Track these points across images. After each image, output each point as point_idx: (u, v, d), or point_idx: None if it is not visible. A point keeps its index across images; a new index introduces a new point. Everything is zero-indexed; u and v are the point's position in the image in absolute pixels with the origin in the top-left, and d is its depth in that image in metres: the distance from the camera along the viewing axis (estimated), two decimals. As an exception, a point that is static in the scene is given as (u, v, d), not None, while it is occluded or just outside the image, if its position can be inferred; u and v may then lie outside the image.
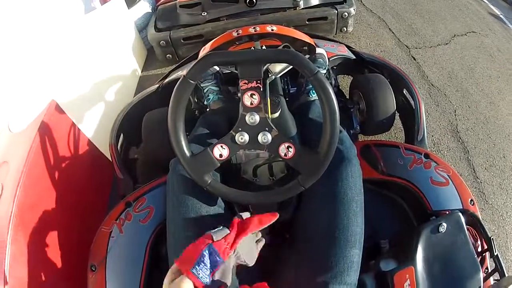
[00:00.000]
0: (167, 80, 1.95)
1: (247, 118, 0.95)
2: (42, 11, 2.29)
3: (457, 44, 3.48)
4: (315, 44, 1.54)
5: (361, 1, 4.16)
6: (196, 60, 0.97)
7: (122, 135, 1.76)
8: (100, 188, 2.05)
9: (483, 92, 2.85)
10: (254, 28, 1.41)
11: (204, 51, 1.54)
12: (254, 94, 0.95)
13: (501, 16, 4.78)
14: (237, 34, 1.42)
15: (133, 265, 1.15)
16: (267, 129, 0.95)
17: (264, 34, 1.42)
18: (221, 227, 0.80)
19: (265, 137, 0.94)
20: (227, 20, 2.82)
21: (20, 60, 1.70)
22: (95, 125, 2.10)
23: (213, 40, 1.52)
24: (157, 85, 1.94)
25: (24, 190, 1.33)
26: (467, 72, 3.05)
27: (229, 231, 0.79)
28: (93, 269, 1.15)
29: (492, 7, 5.08)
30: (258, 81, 0.94)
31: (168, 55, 2.99)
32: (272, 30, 1.40)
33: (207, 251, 0.71)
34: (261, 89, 0.95)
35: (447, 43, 3.45)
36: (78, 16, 2.68)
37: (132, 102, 1.90)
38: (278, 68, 1.29)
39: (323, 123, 0.91)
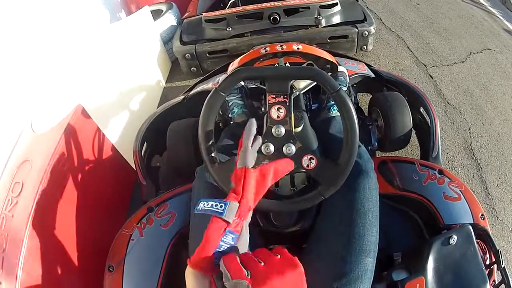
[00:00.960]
0: (192, 92, 2.01)
1: (273, 130, 0.99)
2: (73, 17, 2.50)
3: (473, 62, 3.55)
4: (337, 62, 1.59)
5: (381, 20, 4.30)
6: (228, 74, 1.04)
7: (146, 143, 1.81)
8: (121, 194, 2.12)
9: (497, 109, 2.91)
10: (281, 46, 1.47)
11: (233, 66, 1.59)
12: (281, 108, 1.01)
13: (515, 32, 4.87)
14: (265, 51, 1.48)
15: (152, 268, 1.17)
16: (291, 141, 0.99)
17: (290, 52, 1.48)
18: (224, 201, 0.74)
19: (289, 149, 0.98)
20: (251, 36, 2.91)
21: (48, 63, 1.82)
22: (119, 131, 2.18)
23: (242, 56, 1.58)
24: (183, 97, 2.00)
25: (45, 189, 1.38)
26: (482, 89, 3.12)
27: (237, 203, 0.75)
28: (111, 269, 1.17)
29: (506, 23, 5.12)
30: (285, 96, 1.01)
31: (192, 68, 3.09)
32: (298, 48, 1.46)
33: (224, 240, 0.69)
34: (287, 104, 1.01)
35: (463, 61, 3.53)
36: (105, 25, 2.86)
37: (157, 111, 1.95)
38: (302, 84, 1.35)
39: (344, 137, 0.96)
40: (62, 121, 1.65)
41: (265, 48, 1.47)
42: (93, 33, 2.36)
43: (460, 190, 1.31)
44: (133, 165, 2.13)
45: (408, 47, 3.70)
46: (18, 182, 1.42)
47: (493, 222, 2.03)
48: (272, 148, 0.99)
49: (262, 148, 0.98)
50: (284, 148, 0.98)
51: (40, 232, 1.33)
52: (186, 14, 3.53)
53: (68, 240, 1.52)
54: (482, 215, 1.25)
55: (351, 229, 1.00)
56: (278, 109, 1.01)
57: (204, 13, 3.12)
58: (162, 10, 3.63)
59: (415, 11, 4.77)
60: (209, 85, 1.98)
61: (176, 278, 1.20)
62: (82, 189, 1.66)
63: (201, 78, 2.19)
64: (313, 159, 0.98)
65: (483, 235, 1.19)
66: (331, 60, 1.51)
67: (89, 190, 1.73)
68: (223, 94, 1.00)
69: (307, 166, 0.98)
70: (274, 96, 1.01)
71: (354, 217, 1.01)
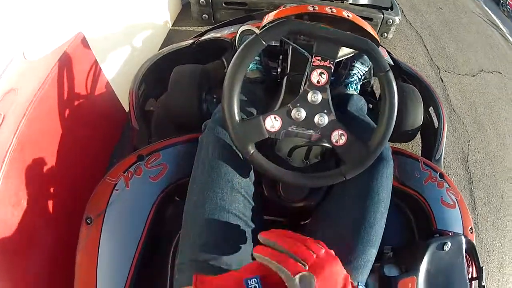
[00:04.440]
0: (203, 38, 1.92)
1: (309, 95, 0.95)
2: None
3: (483, 79, 3.62)
4: (379, 40, 1.51)
5: (403, 12, 4.28)
6: (274, 23, 0.96)
7: (144, 84, 1.73)
8: (108, 135, 2.03)
9: (497, 131, 3.00)
10: (330, 8, 1.39)
11: (268, 18, 1.47)
12: (324, 73, 0.95)
13: (528, 65, 5.03)
14: (313, 9, 1.39)
15: (135, 222, 1.10)
16: (325, 111, 0.96)
17: (338, 18, 1.40)
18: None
19: (322, 119, 0.95)
20: None
21: None
22: (116, 68, 2.07)
23: (282, 8, 1.49)
24: (192, 41, 1.90)
25: (28, 123, 1.27)
26: (486, 108, 3.19)
27: None
28: (89, 221, 1.08)
29: (521, 54, 5.34)
30: (332, 62, 0.95)
31: (204, 15, 2.94)
32: (348, 16, 1.39)
33: None
34: (332, 70, 0.96)
35: (474, 75, 3.59)
36: None
37: (162, 52, 1.85)
38: (341, 53, 1.30)
39: (380, 119, 0.95)
40: (59, 48, 1.51)
41: (313, 7, 1.39)
42: None
43: (456, 199, 1.33)
44: (125, 106, 2.10)
45: (425, 45, 3.74)
46: (0, 114, 1.27)
47: (475, 238, 2.08)
48: (303, 114, 0.94)
49: (293, 112, 0.94)
50: (316, 117, 0.95)
51: (19, 170, 1.23)
52: None
53: (48, 181, 1.42)
54: (471, 228, 1.29)
55: (363, 216, 0.98)
56: (321, 73, 0.95)
57: None
58: None
59: (437, 13, 4.82)
60: (223, 33, 1.89)
61: (160, 236, 1.15)
62: (69, 126, 1.56)
63: (215, 25, 2.10)
64: (343, 135, 0.95)
65: (470, 249, 1.20)
66: (375, 36, 1.45)
67: (75, 128, 1.63)
68: (264, 43, 0.92)
69: (336, 142, 0.95)
70: (320, 58, 0.95)
71: (368, 204, 1.00)
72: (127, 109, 2.04)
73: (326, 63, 0.95)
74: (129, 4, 2.27)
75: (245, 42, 0.93)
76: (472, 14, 5.65)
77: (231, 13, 2.78)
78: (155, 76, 1.75)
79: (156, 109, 1.86)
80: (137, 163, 1.19)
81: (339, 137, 0.95)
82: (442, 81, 3.26)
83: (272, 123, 0.94)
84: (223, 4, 2.80)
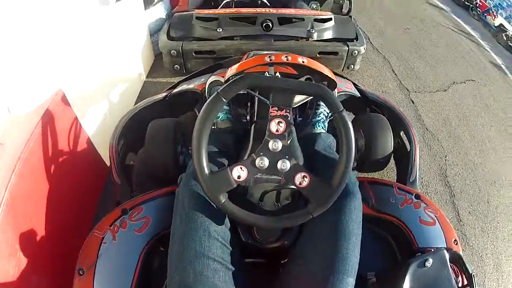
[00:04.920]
0: (175, 90, 2.03)
1: (270, 144, 1.02)
2: None
3: (455, 92, 3.80)
4: (335, 79, 1.61)
5: (369, 39, 4.53)
6: (232, 80, 1.05)
7: (122, 138, 1.81)
8: (92, 189, 2.11)
9: (475, 139, 3.15)
10: (286, 57, 1.49)
11: (231, 71, 1.58)
12: (282, 122, 1.03)
13: (502, 65, 5.19)
14: (270, 60, 1.49)
15: (124, 274, 1.17)
16: (287, 156, 1.02)
17: (295, 65, 1.51)
18: None
19: (284, 165, 1.01)
20: (240, 40, 2.92)
21: (29, 45, 1.75)
22: (96, 123, 2.18)
23: (242, 62, 1.61)
24: (165, 94, 2.02)
25: (18, 178, 1.36)
26: (461, 119, 3.35)
27: None
28: (81, 273, 1.15)
29: (494, 56, 5.47)
30: (288, 110, 1.05)
31: (176, 65, 3.05)
32: (303, 62, 1.49)
33: None
34: (289, 118, 1.04)
35: (445, 90, 3.78)
36: (93, 8, 2.84)
37: (137, 106, 1.95)
38: (298, 99, 1.33)
39: (340, 158, 1.01)
40: (41, 105, 1.64)
41: (269, 57, 1.50)
42: (79, 13, 2.32)
43: (435, 216, 1.39)
44: (106, 160, 2.18)
45: (393, 70, 3.93)
46: None
47: (464, 248, 2.19)
48: (266, 162, 1.02)
49: (257, 161, 1.02)
50: (279, 164, 1.02)
51: (12, 223, 1.33)
52: (176, 8, 3.55)
53: (40, 234, 1.51)
54: (455, 240, 1.33)
55: (335, 250, 1.04)
56: (279, 123, 1.04)
57: (196, 10, 3.14)
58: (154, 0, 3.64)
59: (404, 35, 5.04)
60: (192, 85, 2.02)
61: (149, 284, 1.23)
62: (55, 181, 1.65)
63: (186, 77, 2.23)
64: (306, 177, 1.02)
65: (456, 259, 1.26)
66: (330, 76, 1.54)
67: (61, 183, 1.72)
68: (225, 100, 1.01)
69: (300, 184, 1.02)
70: (276, 109, 1.05)
71: (338, 238, 1.06)
72: (108, 163, 2.13)
73: (283, 112, 1.05)
74: (105, 58, 2.42)
75: (207, 101, 1.02)
76: (441, 27, 5.90)
77: (202, 62, 2.90)
78: (133, 130, 1.85)
79: (136, 164, 1.95)
80: (122, 217, 1.28)
81: (302, 179, 1.02)
82: (413, 102, 3.41)
83: (239, 173, 1.02)
84: (193, 54, 2.93)
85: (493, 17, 7.94)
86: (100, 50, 2.33)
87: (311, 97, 1.36)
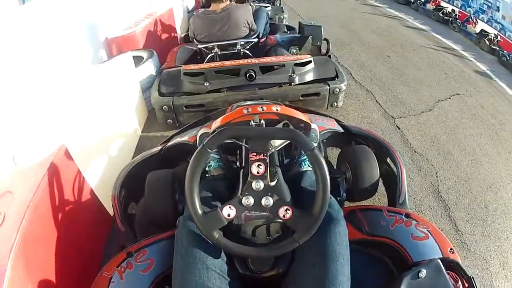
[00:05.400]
0: (170, 143, 2.23)
1: (253, 184, 1.18)
2: (59, 56, 2.84)
3: (441, 109, 4.04)
4: (310, 121, 1.76)
5: (351, 74, 4.83)
6: (215, 132, 1.24)
7: (123, 189, 1.95)
8: (96, 237, 2.28)
9: (465, 151, 3.33)
10: (261, 107, 1.67)
11: (216, 124, 1.74)
12: (261, 165, 1.19)
13: (487, 71, 5.48)
14: (247, 111, 1.67)
15: None
16: (269, 194, 1.18)
17: (270, 113, 1.68)
18: None
19: (267, 201, 1.17)
20: (227, 92, 3.12)
21: (32, 101, 1.98)
22: (98, 175, 2.36)
23: (225, 115, 1.77)
24: (160, 147, 2.20)
25: (29, 223, 1.51)
26: (449, 134, 3.56)
27: None
28: None
29: (478, 64, 5.77)
30: (265, 154, 1.20)
31: (169, 120, 3.22)
32: (277, 110, 1.65)
33: None
34: (267, 161, 1.20)
35: (430, 109, 4.01)
36: (88, 66, 3.10)
37: (135, 160, 2.13)
38: (278, 142, 1.50)
39: (317, 191, 1.14)
40: (47, 159, 1.81)
41: (247, 109, 1.69)
42: (76, 73, 2.61)
43: (428, 230, 1.46)
44: (109, 210, 2.36)
45: (376, 100, 4.18)
46: (0, 213, 1.53)
47: (465, 255, 2.31)
48: (251, 200, 1.17)
49: (243, 200, 1.17)
50: (262, 201, 1.18)
51: (24, 264, 1.44)
52: (164, 64, 3.77)
53: (50, 276, 1.64)
54: (451, 249, 1.39)
55: (324, 271, 1.16)
56: (259, 165, 1.20)
57: (183, 66, 3.34)
58: (143, 58, 3.94)
59: (385, 63, 5.32)
60: (185, 138, 2.21)
61: None
62: (62, 227, 1.80)
63: (178, 130, 2.43)
64: (289, 210, 1.16)
65: (453, 266, 1.35)
66: (305, 120, 1.72)
67: (68, 230, 1.86)
68: (209, 150, 1.18)
69: (283, 216, 1.16)
70: (255, 154, 1.21)
71: (327, 260, 1.17)
72: (111, 213, 2.32)
73: (261, 156, 1.21)
74: (103, 115, 2.65)
75: (195, 152, 1.18)
76: (421, 49, 6.21)
77: (193, 115, 3.07)
78: (132, 182, 2.00)
79: (137, 212, 2.11)
80: (128, 259, 1.40)
81: (285, 212, 1.16)
82: (398, 128, 3.62)
83: (228, 211, 1.17)
84: (184, 108, 3.12)
85: (474, 25, 8.24)
86: (98, 107, 2.59)
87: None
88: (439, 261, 1.31)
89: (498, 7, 8.30)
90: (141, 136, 3.53)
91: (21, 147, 1.82)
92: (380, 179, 1.98)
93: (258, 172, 1.19)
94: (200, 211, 1.15)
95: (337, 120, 2.36)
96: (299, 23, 4.23)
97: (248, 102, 2.03)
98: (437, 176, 2.98)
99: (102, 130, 2.62)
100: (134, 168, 2.06)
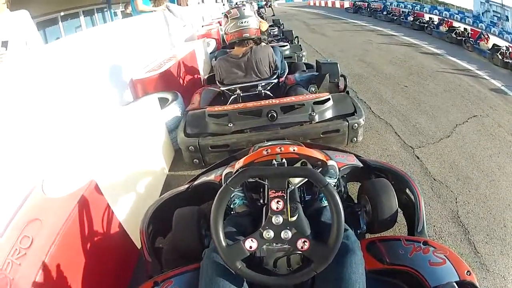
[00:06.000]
0: (196, 182, 2.33)
1: (273, 219, 1.28)
2: (84, 96, 3.08)
3: (459, 134, 4.17)
4: (326, 159, 1.91)
5: (370, 108, 4.98)
6: (236, 172, 1.38)
7: (151, 224, 2.02)
8: (123, 268, 2.37)
9: (484, 173, 3.41)
10: (280, 148, 1.80)
11: (239, 164, 1.89)
12: (280, 201, 1.30)
13: (502, 87, 5.65)
14: (267, 153, 1.79)
15: None
16: (288, 228, 1.27)
17: (287, 153, 1.80)
18: None
19: (286, 234, 1.26)
20: (250, 133, 3.26)
21: (62, 136, 2.21)
22: (126, 210, 2.48)
23: (247, 156, 1.92)
24: (187, 185, 2.30)
25: (56, 250, 1.60)
26: (467, 159, 3.66)
27: None
28: None
29: (493, 81, 5.96)
30: (283, 191, 1.31)
31: (195, 159, 3.36)
32: (294, 150, 1.79)
33: None
34: (285, 197, 1.30)
35: (448, 136, 4.14)
36: (114, 106, 3.33)
37: (164, 197, 2.22)
38: (297, 180, 1.62)
39: (331, 223, 1.24)
40: (77, 192, 1.94)
41: (266, 150, 1.81)
42: (105, 113, 2.86)
43: (445, 255, 1.51)
44: (137, 244, 2.48)
45: (395, 132, 4.31)
46: (28, 236, 1.66)
47: (485, 275, 2.36)
48: (272, 233, 1.28)
49: (264, 233, 1.28)
50: (282, 234, 1.27)
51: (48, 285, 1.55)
52: (189, 106, 3.98)
53: None
54: (468, 271, 1.44)
55: None
56: (277, 201, 1.31)
57: (207, 107, 3.49)
58: (168, 99, 4.15)
59: (402, 94, 5.48)
60: (211, 177, 2.30)
61: None
62: (90, 256, 1.91)
63: (204, 170, 2.55)
64: (306, 241, 1.26)
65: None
66: (321, 158, 1.86)
67: (96, 259, 1.98)
68: (232, 188, 1.30)
69: (301, 247, 1.26)
70: (274, 191, 1.32)
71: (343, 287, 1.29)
72: (138, 246, 2.46)
73: (279, 193, 1.31)
74: (131, 154, 2.83)
75: (219, 190, 1.31)
76: (438, 74, 6.41)
77: (218, 155, 3.19)
78: (160, 217, 2.10)
79: (164, 246, 2.19)
80: None
81: (303, 244, 1.26)
82: (418, 158, 3.71)
83: (250, 244, 1.27)
84: (209, 148, 3.26)
85: (486, 41, 8.43)
86: (126, 146, 2.75)
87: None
88: (455, 284, 1.38)
89: (507, 17, 8.47)
90: (168, 175, 3.69)
91: (51, 178, 2.02)
92: (399, 209, 2.03)
93: (277, 208, 1.30)
94: (224, 243, 1.26)
95: (356, 155, 2.46)
96: (316, 61, 4.36)
97: (269, 143, 2.17)
98: (456, 202, 3.06)
99: (131, 168, 2.77)
100: (162, 204, 2.16)
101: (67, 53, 3.25)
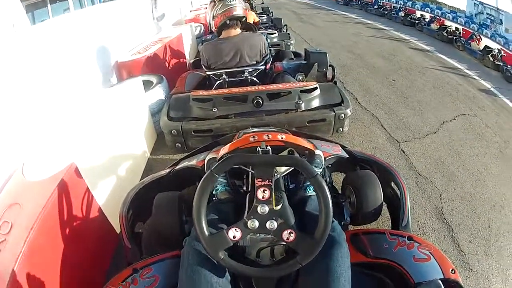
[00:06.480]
0: (178, 167, 2.27)
1: (258, 208, 1.24)
2: (69, 77, 3.03)
3: (445, 131, 4.17)
4: (314, 147, 1.85)
5: (357, 100, 4.96)
6: (223, 158, 1.30)
7: (130, 209, 1.97)
8: (102, 253, 2.36)
9: (469, 172, 3.44)
10: (267, 135, 1.75)
11: (223, 150, 1.81)
12: (266, 190, 1.26)
13: (491, 89, 5.67)
14: (254, 139, 1.73)
15: None
16: (274, 218, 1.23)
17: (275, 141, 1.73)
18: None
19: (272, 224, 1.22)
20: (235, 118, 3.14)
21: (42, 118, 2.16)
22: (106, 194, 2.46)
23: (232, 142, 1.87)
24: (168, 170, 2.25)
25: (36, 234, 1.58)
26: (453, 156, 3.68)
27: None
28: None
29: (482, 82, 5.99)
30: (270, 180, 1.26)
31: (177, 143, 3.23)
32: (282, 138, 1.73)
33: None
34: (271, 186, 1.26)
35: (435, 132, 4.15)
36: (99, 89, 3.29)
37: (144, 181, 2.16)
38: (283, 169, 1.58)
39: (319, 214, 1.20)
40: (57, 175, 1.90)
41: (253, 137, 1.75)
42: (88, 95, 2.83)
43: (430, 251, 1.49)
44: (116, 228, 2.47)
45: (382, 125, 4.31)
46: (7, 222, 1.64)
47: (467, 275, 2.39)
48: (256, 223, 1.23)
49: (248, 223, 1.23)
50: (267, 224, 1.23)
51: (26, 275, 1.51)
52: (174, 90, 3.82)
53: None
54: (452, 269, 1.42)
55: None
56: (264, 190, 1.26)
57: (192, 92, 3.37)
58: (153, 82, 4.11)
59: (390, 88, 5.47)
60: (193, 162, 2.24)
61: None
62: (69, 242, 1.88)
63: (187, 154, 2.49)
64: (292, 233, 1.22)
65: (454, 287, 1.39)
66: (309, 147, 1.79)
67: (75, 244, 1.95)
68: (217, 175, 1.26)
69: (287, 239, 1.22)
70: (261, 179, 1.28)
71: (329, 281, 1.24)
72: (117, 230, 2.44)
73: (266, 182, 1.27)
74: (112, 137, 2.79)
75: (203, 177, 1.26)
76: (427, 70, 6.40)
77: (201, 140, 3.11)
78: (140, 202, 2.04)
79: (144, 231, 2.13)
80: (133, 275, 1.44)
81: (288, 235, 1.22)
82: (403, 152, 3.73)
83: (234, 233, 1.23)
84: (192, 133, 3.14)
85: (477, 42, 8.45)
86: (108, 129, 2.74)
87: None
88: (440, 281, 1.37)
89: (501, 20, 8.49)
90: (149, 158, 3.66)
91: (31, 162, 1.97)
92: (384, 203, 2.00)
93: (263, 197, 1.26)
94: (206, 232, 1.22)
95: (342, 146, 2.42)
96: (305, 49, 4.29)
97: (255, 130, 2.12)
98: (441, 198, 3.07)
99: (112, 151, 2.75)
100: (143, 189, 2.12)
101: (52, 35, 3.20)
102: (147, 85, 3.99)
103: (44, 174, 1.90)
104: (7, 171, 1.96)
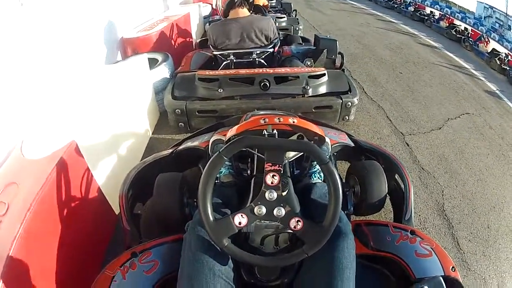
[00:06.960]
0: (181, 147, 2.23)
1: (266, 194, 1.19)
2: (73, 53, 2.96)
3: (450, 128, 4.13)
4: (324, 135, 1.73)
5: (363, 89, 4.93)
6: (232, 140, 1.23)
7: (131, 189, 1.93)
8: (101, 235, 2.32)
9: (472, 170, 3.42)
10: (278, 118, 1.64)
11: (231, 132, 1.70)
12: (275, 175, 1.20)
13: (496, 91, 5.61)
14: (264, 122, 1.63)
15: None
16: (282, 204, 1.19)
17: (283, 125, 1.69)
18: None
19: (279, 211, 1.18)
20: (240, 100, 3.10)
21: (44, 94, 2.08)
22: (105, 174, 2.41)
23: (241, 123, 1.75)
24: (171, 150, 2.21)
25: (34, 215, 1.53)
26: (457, 154, 3.65)
27: None
28: None
29: (488, 83, 5.92)
30: (280, 165, 1.21)
31: (180, 123, 3.19)
32: (293, 122, 1.63)
33: None
34: (281, 172, 1.21)
35: (440, 128, 4.11)
36: (103, 65, 3.21)
37: (146, 161, 2.11)
38: (291, 154, 1.54)
39: (329, 204, 1.16)
40: (55, 153, 1.84)
41: (264, 119, 1.65)
42: (91, 72, 2.73)
43: (431, 247, 1.48)
44: (115, 209, 2.43)
45: (387, 116, 4.28)
46: (4, 203, 1.57)
47: (465, 274, 2.38)
48: (264, 210, 1.18)
49: (255, 209, 1.18)
50: (275, 211, 1.19)
51: (23, 257, 1.47)
52: (179, 68, 3.80)
53: (49, 271, 1.67)
54: (453, 267, 1.42)
55: (330, 283, 1.19)
56: (273, 176, 1.21)
57: (197, 71, 3.33)
58: (158, 60, 4.04)
59: (397, 80, 5.42)
60: (196, 143, 2.21)
61: None
62: (67, 223, 1.83)
63: (190, 134, 2.46)
64: (299, 221, 1.17)
65: (454, 285, 1.37)
66: (319, 133, 1.68)
67: (73, 226, 1.89)
68: (226, 158, 1.19)
69: (294, 227, 1.18)
70: (271, 164, 1.22)
71: (333, 273, 1.21)
72: (116, 211, 2.40)
73: (276, 167, 1.22)
74: (115, 114, 2.72)
75: (211, 159, 1.19)
76: (434, 66, 6.33)
77: (205, 120, 3.07)
78: (141, 182, 2.00)
79: (143, 213, 2.08)
80: (131, 259, 1.40)
81: (296, 223, 1.17)
82: (408, 145, 3.71)
83: (240, 219, 1.18)
84: (197, 113, 3.10)
85: (485, 44, 8.38)
86: (110, 106, 2.67)
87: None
88: (441, 278, 1.35)
89: (509, 26, 8.44)
90: (151, 137, 3.61)
91: (30, 139, 1.89)
92: (387, 195, 1.99)
93: (272, 183, 1.21)
94: (211, 218, 1.16)
95: (348, 134, 2.40)
96: (315, 35, 4.23)
97: (263, 112, 2.07)
98: (443, 194, 3.06)
99: (113, 129, 2.68)
100: (144, 169, 2.07)
101: (58, 10, 3.07)
102: (152, 63, 3.92)
103: (43, 152, 1.84)
104: (6, 148, 1.90)
